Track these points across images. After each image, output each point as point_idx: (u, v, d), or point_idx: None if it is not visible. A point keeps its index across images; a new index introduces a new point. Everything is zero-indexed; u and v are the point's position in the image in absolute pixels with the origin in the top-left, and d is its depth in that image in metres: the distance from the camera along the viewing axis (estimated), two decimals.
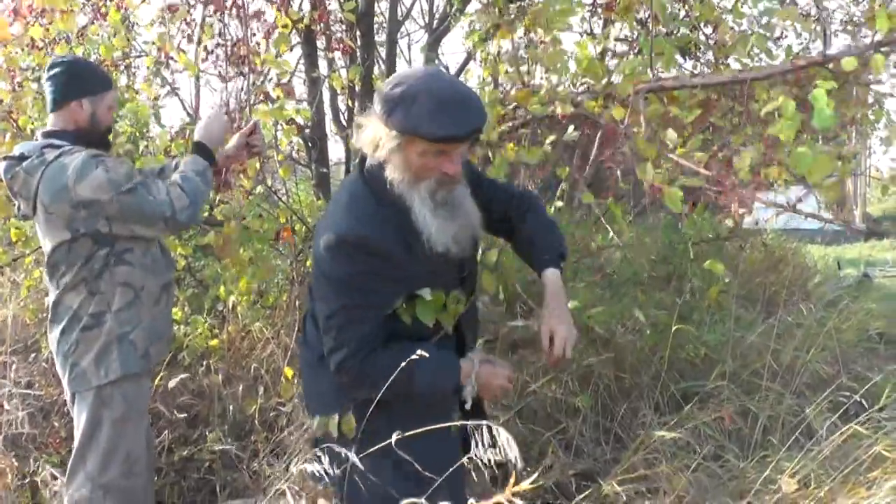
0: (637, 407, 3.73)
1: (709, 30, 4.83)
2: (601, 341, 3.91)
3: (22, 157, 2.58)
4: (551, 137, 4.00)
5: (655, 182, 3.06)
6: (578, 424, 3.61)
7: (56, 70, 2.67)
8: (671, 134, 3.35)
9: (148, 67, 4.21)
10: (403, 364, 1.89)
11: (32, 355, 4.23)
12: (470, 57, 4.79)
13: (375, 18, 4.69)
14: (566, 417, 3.64)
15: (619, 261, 4.63)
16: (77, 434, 2.69)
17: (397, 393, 1.94)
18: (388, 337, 2.02)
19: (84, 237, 2.58)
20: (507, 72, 3.77)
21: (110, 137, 2.88)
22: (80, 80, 2.67)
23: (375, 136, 1.90)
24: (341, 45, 4.37)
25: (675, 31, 4.30)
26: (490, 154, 3.71)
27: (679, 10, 5.01)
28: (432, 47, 4.72)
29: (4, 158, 2.64)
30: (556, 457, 3.38)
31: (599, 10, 4.75)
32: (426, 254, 1.96)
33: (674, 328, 3.65)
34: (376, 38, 4.61)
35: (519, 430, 3.50)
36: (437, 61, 4.97)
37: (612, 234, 4.71)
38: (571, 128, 3.90)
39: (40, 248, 2.88)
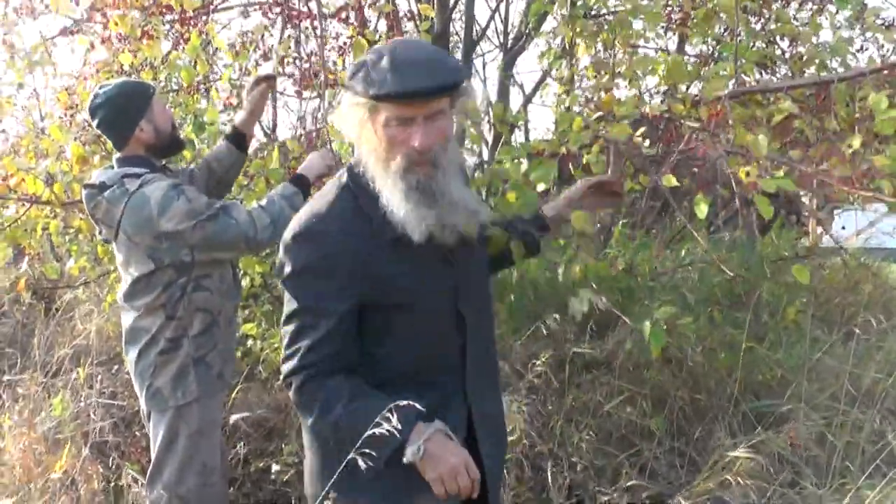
0: (712, 429, 3.66)
1: (785, 43, 4.76)
2: (676, 362, 3.86)
3: (103, 186, 2.62)
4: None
5: (752, 177, 2.99)
6: (653, 447, 3.57)
7: (100, 115, 2.68)
8: (761, 139, 3.31)
9: (228, 83, 4.31)
10: (355, 405, 1.65)
11: (116, 367, 4.37)
12: (546, 74, 4.80)
13: (451, 38, 4.76)
14: (640, 439, 3.60)
15: (694, 280, 4.56)
16: (154, 446, 2.77)
17: (339, 438, 1.68)
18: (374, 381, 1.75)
19: (167, 267, 2.64)
20: (594, 77, 3.77)
21: (179, 133, 2.93)
22: (124, 112, 2.68)
23: (344, 111, 1.69)
24: None
25: (752, 45, 4.24)
26: (571, 166, 3.70)
27: (755, 23, 4.94)
28: (508, 66, 4.74)
29: (85, 186, 2.70)
30: (629, 479, 3.35)
31: (674, 26, 4.71)
32: (405, 250, 1.69)
33: (749, 349, 3.58)
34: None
35: (593, 452, 3.48)
36: (512, 80, 5.01)
37: (683, 252, 4.66)
38: (647, 142, 3.87)
39: None
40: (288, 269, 1.72)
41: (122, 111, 2.67)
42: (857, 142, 2.82)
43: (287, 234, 1.75)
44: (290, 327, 1.73)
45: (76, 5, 3.33)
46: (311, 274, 1.71)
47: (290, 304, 1.73)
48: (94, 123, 2.73)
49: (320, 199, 1.77)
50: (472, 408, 1.85)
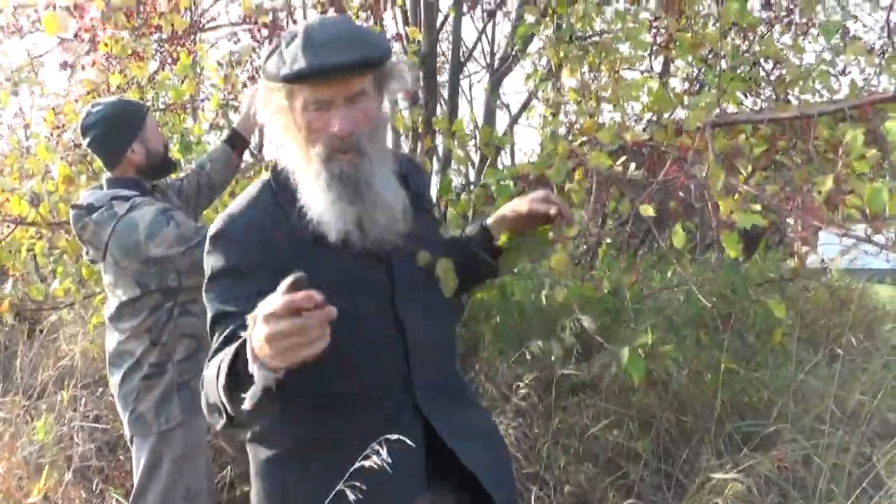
0: (699, 451, 3.66)
1: (769, 66, 4.80)
2: (662, 384, 3.86)
3: (91, 208, 2.59)
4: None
5: (728, 210, 3.02)
6: (640, 469, 3.56)
7: (92, 134, 2.65)
8: (739, 165, 3.34)
9: (214, 109, 4.32)
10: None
11: (100, 389, 4.34)
12: (532, 96, 4.84)
13: (438, 59, 4.78)
14: (627, 462, 3.60)
15: (681, 302, 4.58)
16: (137, 471, 2.74)
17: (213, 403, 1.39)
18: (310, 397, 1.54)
19: (154, 292, 2.62)
20: (578, 102, 3.79)
21: (171, 154, 2.91)
22: (116, 133, 2.65)
23: (261, 100, 1.55)
24: (408, 91, 4.43)
25: (737, 68, 4.29)
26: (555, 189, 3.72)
27: (739, 45, 4.99)
28: (494, 87, 4.77)
29: (73, 207, 2.67)
30: (616, 502, 3.34)
31: (657, 48, 4.76)
32: (329, 249, 1.52)
33: (735, 371, 3.60)
34: (438, 78, 4.69)
35: (579, 475, 3.47)
36: (499, 101, 5.05)
37: (670, 273, 4.68)
38: (633, 166, 3.90)
39: None
40: (206, 273, 1.57)
41: (114, 131, 2.64)
42: (827, 184, 2.85)
43: (207, 237, 1.60)
44: (213, 336, 1.50)
45: (67, 28, 3.32)
46: (227, 277, 1.53)
47: (209, 311, 1.53)
48: (85, 142, 2.70)
49: (241, 198, 1.63)
50: (432, 421, 1.60)
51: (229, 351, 1.31)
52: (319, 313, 1.15)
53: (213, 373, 1.35)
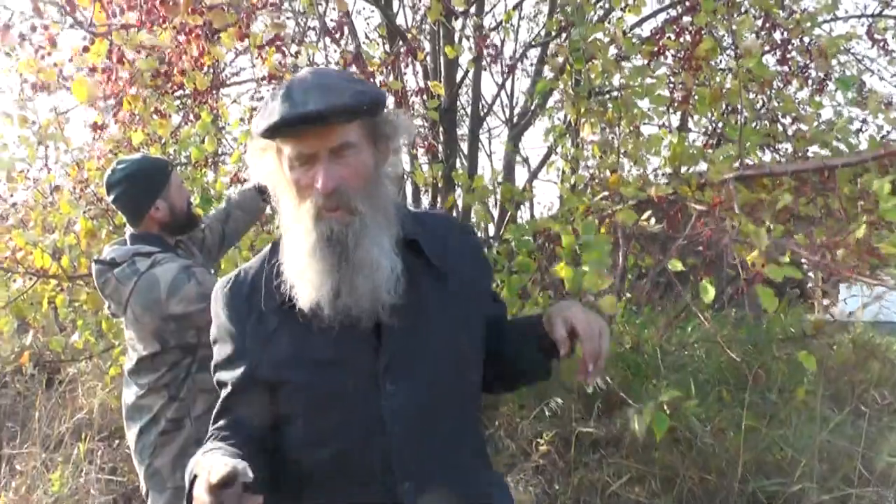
0: None
1: (787, 121, 4.81)
2: (685, 441, 3.80)
3: (113, 263, 2.58)
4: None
5: (760, 263, 3.00)
6: None
7: (117, 191, 2.63)
8: (762, 232, 3.32)
9: (234, 164, 4.36)
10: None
11: (117, 442, 4.33)
12: (551, 151, 4.85)
13: (458, 114, 4.84)
14: None
15: (702, 357, 4.53)
16: None
17: None
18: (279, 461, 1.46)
19: (173, 348, 2.62)
20: (599, 157, 3.80)
21: (194, 211, 2.87)
22: (141, 191, 2.64)
23: (253, 162, 1.48)
24: (425, 143, 4.47)
25: (756, 124, 4.30)
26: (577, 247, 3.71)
27: (757, 101, 5.01)
28: (514, 141, 4.80)
29: (96, 262, 2.66)
30: None
31: (675, 104, 4.78)
32: (305, 315, 1.38)
33: (758, 428, 3.54)
34: (457, 131, 4.73)
35: None
36: (518, 156, 5.08)
37: (690, 328, 4.64)
38: (654, 220, 3.90)
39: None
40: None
41: (138, 189, 2.63)
42: (860, 231, 2.83)
43: None
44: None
45: (96, 95, 3.37)
46: (214, 341, 1.54)
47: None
48: (110, 198, 2.69)
49: (253, 259, 1.59)
50: None
51: (188, 474, 1.32)
52: None
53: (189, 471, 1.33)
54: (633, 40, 4.92)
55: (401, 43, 4.38)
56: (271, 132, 1.34)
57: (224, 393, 1.50)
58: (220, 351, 1.51)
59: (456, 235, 1.59)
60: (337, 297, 1.37)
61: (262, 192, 3.02)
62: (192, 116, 4.36)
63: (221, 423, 1.51)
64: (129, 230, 2.75)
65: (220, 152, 4.58)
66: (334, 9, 4.29)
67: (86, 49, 3.33)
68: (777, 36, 5.44)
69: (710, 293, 3.10)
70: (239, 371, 1.45)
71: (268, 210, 3.36)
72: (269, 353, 1.43)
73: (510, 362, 1.57)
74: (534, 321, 1.52)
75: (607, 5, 4.96)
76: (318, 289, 1.37)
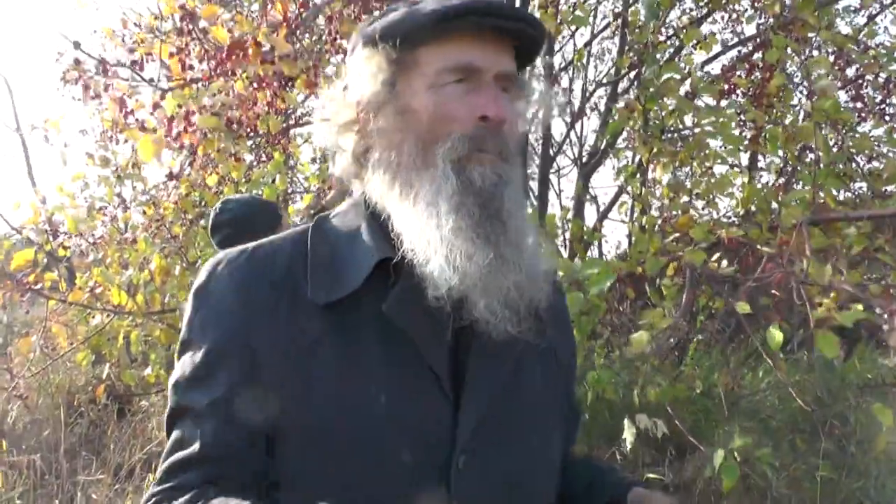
0: None
1: (862, 159, 4.71)
2: (758, 490, 3.71)
3: None
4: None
5: (827, 308, 2.94)
6: None
7: (225, 232, 2.50)
8: (827, 269, 3.26)
9: (306, 204, 4.44)
10: None
11: None
12: (622, 190, 4.82)
13: (528, 153, 4.81)
14: None
15: (775, 404, 4.43)
16: None
17: None
18: None
19: None
20: (671, 199, 3.77)
21: None
22: (251, 233, 2.64)
23: (354, 78, 1.02)
24: None
25: (830, 164, 4.22)
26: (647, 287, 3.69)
27: (831, 138, 4.93)
28: (583, 181, 4.79)
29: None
30: None
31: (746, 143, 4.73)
32: (366, 327, 0.95)
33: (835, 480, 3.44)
34: (527, 170, 4.73)
35: None
36: (588, 196, 5.05)
37: (761, 373, 4.54)
38: (725, 262, 3.84)
39: None
40: (181, 335, 1.02)
41: (247, 233, 2.61)
42: None
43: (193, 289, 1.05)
44: (170, 437, 0.98)
45: (160, 154, 3.47)
46: (201, 354, 0.97)
47: (170, 395, 0.99)
48: (215, 241, 2.54)
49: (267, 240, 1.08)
50: None
51: None
52: None
53: None
54: (704, 78, 4.89)
55: None
56: (440, 19, 0.94)
57: (198, 432, 0.93)
58: (206, 360, 0.96)
59: (551, 292, 1.02)
60: (481, 295, 0.93)
61: None
62: (264, 157, 4.46)
63: (192, 479, 0.93)
64: None
65: (290, 191, 4.65)
66: None
67: (156, 105, 3.41)
68: (850, 71, 5.35)
69: (777, 338, 3.03)
70: (243, 398, 0.93)
71: None
72: (302, 378, 0.93)
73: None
74: (606, 483, 1.14)
75: (677, 42, 4.93)
76: (469, 270, 0.91)
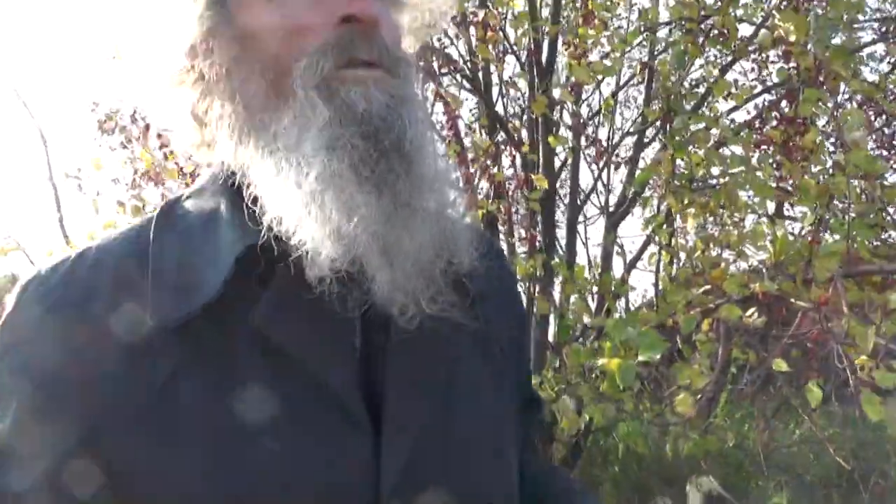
0: None
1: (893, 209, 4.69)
2: None
3: None
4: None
5: (868, 368, 2.90)
6: None
7: None
8: (870, 333, 3.22)
9: None
10: None
11: None
12: (650, 240, 4.79)
13: (555, 202, 4.83)
14: None
15: (809, 458, 4.36)
16: None
17: None
18: None
19: None
20: (702, 251, 3.74)
21: None
22: None
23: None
24: (528, 236, 4.47)
25: (865, 215, 4.21)
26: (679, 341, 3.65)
27: (862, 189, 4.91)
28: (611, 230, 4.78)
29: None
30: None
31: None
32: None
33: None
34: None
35: None
36: (615, 244, 5.03)
37: (792, 425, 4.48)
38: (756, 314, 3.81)
39: None
40: None
41: None
42: None
43: None
44: None
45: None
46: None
47: None
48: None
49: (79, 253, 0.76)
50: None
51: None
52: None
53: None
54: (730, 126, 4.88)
55: (502, 133, 4.42)
56: None
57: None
58: (20, 427, 0.65)
59: (488, 260, 0.78)
60: (373, 256, 0.67)
61: None
62: None
63: None
64: None
65: None
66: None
67: None
68: (879, 121, 5.35)
69: (817, 396, 2.99)
70: (74, 473, 0.64)
71: None
72: (156, 435, 0.64)
73: None
74: None
75: (702, 89, 4.93)
76: (349, 224, 0.65)
